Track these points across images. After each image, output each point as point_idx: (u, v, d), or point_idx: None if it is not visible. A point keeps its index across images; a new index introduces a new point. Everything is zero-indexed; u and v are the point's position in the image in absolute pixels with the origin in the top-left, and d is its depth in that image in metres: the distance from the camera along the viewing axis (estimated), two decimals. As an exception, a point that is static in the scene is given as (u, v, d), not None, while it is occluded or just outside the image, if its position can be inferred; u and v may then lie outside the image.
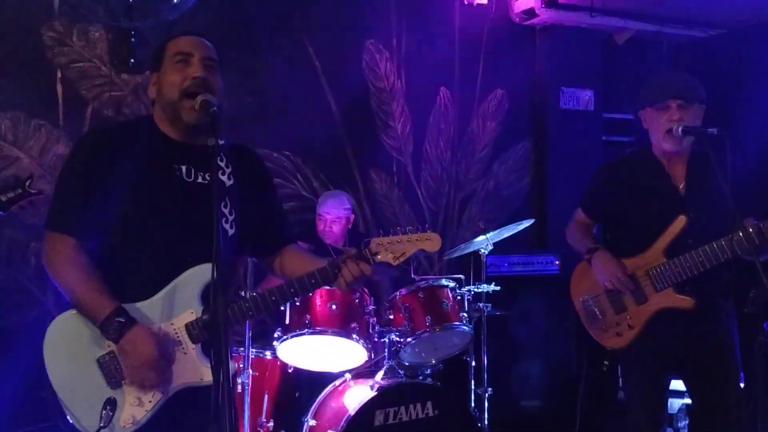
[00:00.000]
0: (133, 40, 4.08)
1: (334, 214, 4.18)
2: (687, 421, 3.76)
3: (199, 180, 2.14)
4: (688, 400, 3.63)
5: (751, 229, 2.58)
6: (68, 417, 2.05)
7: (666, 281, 2.81)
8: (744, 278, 2.73)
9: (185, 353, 2.07)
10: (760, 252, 2.55)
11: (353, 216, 4.34)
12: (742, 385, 2.96)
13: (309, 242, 4.03)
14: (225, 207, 2.15)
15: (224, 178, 2.17)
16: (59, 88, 4.12)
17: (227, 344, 1.74)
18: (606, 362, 2.99)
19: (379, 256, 2.10)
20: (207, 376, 2.01)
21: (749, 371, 2.85)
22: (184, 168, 2.14)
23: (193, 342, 2.07)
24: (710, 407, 2.89)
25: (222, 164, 2.19)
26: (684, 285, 2.79)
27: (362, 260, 2.10)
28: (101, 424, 1.99)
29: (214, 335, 1.77)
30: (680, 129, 2.76)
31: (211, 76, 2.12)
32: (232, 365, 2.23)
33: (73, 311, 2.08)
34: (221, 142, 2.22)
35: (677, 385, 3.26)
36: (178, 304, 2.08)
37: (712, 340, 2.87)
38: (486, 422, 3.81)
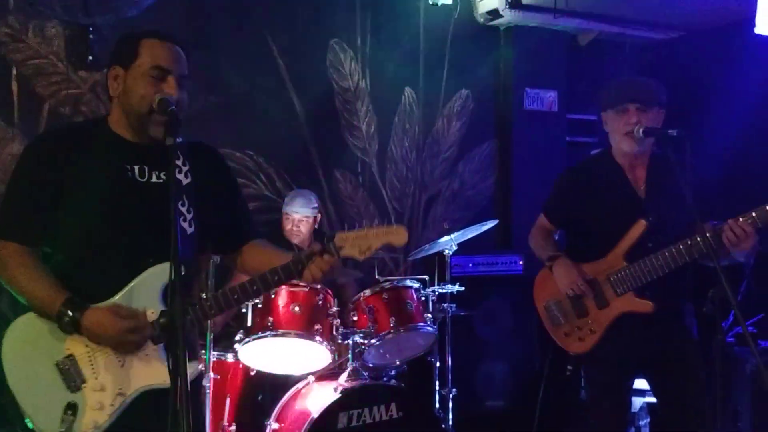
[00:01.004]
0: (91, 36, 4.00)
1: (302, 213, 4.14)
2: (648, 420, 3.80)
3: (153, 179, 2.12)
4: (648, 399, 3.68)
5: (708, 233, 2.61)
6: (28, 422, 2.00)
7: (626, 286, 2.83)
8: (703, 278, 2.77)
9: (147, 354, 2.04)
10: (719, 256, 2.57)
11: (320, 215, 4.31)
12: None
13: (274, 243, 3.99)
14: (182, 205, 2.12)
15: (181, 176, 2.14)
16: (14, 86, 4.02)
17: (188, 345, 1.70)
18: (569, 367, 3.01)
19: (344, 251, 2.07)
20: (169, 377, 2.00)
21: (708, 369, 2.89)
22: (137, 168, 2.11)
23: (154, 343, 2.04)
24: (674, 405, 2.93)
25: (179, 162, 2.15)
26: (644, 289, 2.82)
27: (327, 254, 2.08)
28: (61, 429, 1.95)
29: (172, 337, 1.74)
30: (641, 130, 2.78)
31: (182, 95, 2.09)
32: (195, 366, 2.20)
33: (29, 315, 2.05)
34: (179, 139, 2.19)
35: (638, 383, 3.29)
36: (138, 304, 2.04)
37: (674, 340, 2.91)
38: (450, 423, 3.81)
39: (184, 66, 2.12)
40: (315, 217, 4.21)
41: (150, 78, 2.05)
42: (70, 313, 1.97)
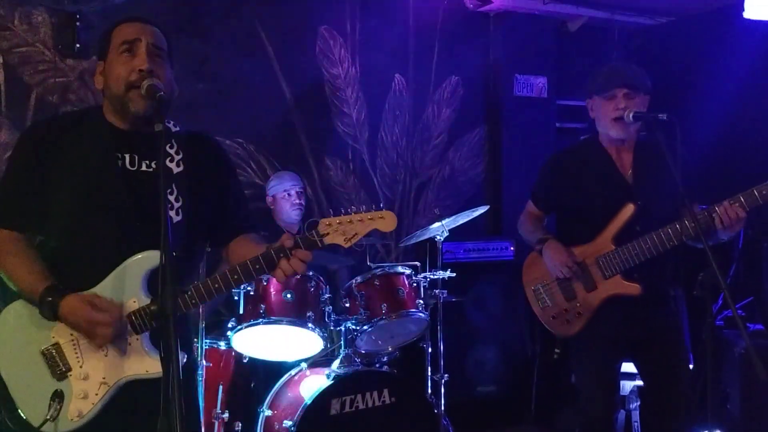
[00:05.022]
0: (78, 24, 3.96)
1: (298, 186, 4.19)
2: (638, 402, 3.83)
3: (143, 168, 2.11)
4: (639, 382, 3.70)
5: (699, 216, 2.63)
6: (18, 409, 1.99)
7: (614, 268, 2.85)
8: (693, 262, 2.79)
9: (130, 344, 2.03)
10: (708, 237, 2.60)
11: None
12: (690, 366, 3.03)
13: (265, 231, 3.99)
14: (171, 194, 2.11)
15: (172, 165, 2.14)
16: (1, 74, 3.98)
17: (176, 334, 1.69)
18: (557, 350, 3.03)
19: (328, 238, 1.99)
20: (152, 368, 2.00)
21: (698, 352, 2.92)
22: (127, 156, 2.10)
23: (137, 332, 2.03)
24: (660, 388, 2.96)
25: (171, 151, 2.15)
26: (632, 272, 2.84)
27: (308, 243, 2.00)
28: (47, 417, 1.95)
29: (163, 325, 1.73)
30: (631, 115, 2.80)
31: (157, 66, 2.07)
32: (183, 356, 2.20)
33: (18, 303, 2.05)
34: (176, 129, 2.19)
35: (628, 367, 3.32)
36: (120, 293, 2.03)
37: (660, 323, 2.94)
38: (442, 408, 3.82)
39: (156, 38, 2.10)
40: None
41: (121, 56, 2.06)
42: (49, 299, 1.97)
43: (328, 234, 1.99)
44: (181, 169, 2.15)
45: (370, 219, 2.00)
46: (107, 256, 2.04)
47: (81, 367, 2.01)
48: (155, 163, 2.10)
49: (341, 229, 1.99)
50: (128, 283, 2.03)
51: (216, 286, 2.04)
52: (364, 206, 2.04)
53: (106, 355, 2.02)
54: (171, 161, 2.13)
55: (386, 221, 2.01)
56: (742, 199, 2.64)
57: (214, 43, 4.50)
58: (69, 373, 2.01)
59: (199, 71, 4.43)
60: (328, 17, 4.86)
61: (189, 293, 2.04)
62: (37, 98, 4.05)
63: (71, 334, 2.02)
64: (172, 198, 2.10)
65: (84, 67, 4.10)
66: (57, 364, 2.01)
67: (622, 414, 3.89)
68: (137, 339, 2.03)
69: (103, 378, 2.01)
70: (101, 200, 2.05)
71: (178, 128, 2.21)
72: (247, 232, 2.32)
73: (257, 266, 2.01)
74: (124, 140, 2.11)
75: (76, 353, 2.02)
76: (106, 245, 2.05)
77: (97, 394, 2.00)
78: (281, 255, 1.99)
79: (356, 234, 2.00)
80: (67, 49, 4.04)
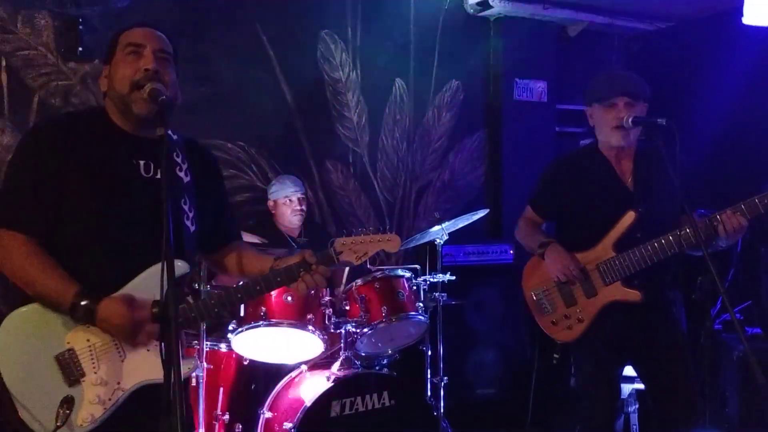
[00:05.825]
0: (80, 27, 3.98)
1: (300, 192, 4.26)
2: (637, 406, 3.84)
3: (158, 176, 2.10)
4: (637, 385, 3.71)
5: (700, 224, 2.64)
6: (21, 416, 1.97)
7: (614, 275, 2.85)
8: (692, 266, 2.80)
9: (148, 349, 2.04)
10: (708, 245, 2.60)
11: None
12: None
13: (264, 234, 4.01)
14: (185, 204, 2.13)
15: (181, 174, 2.16)
16: (4, 77, 4.00)
17: (178, 339, 1.70)
18: (556, 355, 3.03)
19: (342, 256, 2.19)
20: None
21: (697, 355, 2.92)
22: (142, 163, 2.10)
23: (157, 339, 2.02)
24: (662, 392, 2.96)
25: (178, 160, 2.17)
26: (632, 278, 2.84)
27: (326, 259, 2.17)
28: (58, 423, 1.93)
29: (164, 329, 1.74)
30: (630, 120, 2.80)
31: (163, 68, 2.08)
32: (192, 363, 2.23)
33: (28, 307, 2.02)
34: (175, 137, 2.21)
35: (627, 370, 3.33)
36: (142, 299, 2.02)
37: (661, 328, 2.94)
38: (442, 411, 3.83)
39: (163, 43, 2.12)
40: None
41: (127, 57, 2.07)
42: (83, 303, 1.95)
43: (342, 252, 2.21)
44: (189, 178, 2.18)
45: (378, 240, 2.25)
46: (125, 263, 2.04)
47: (96, 372, 2.00)
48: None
49: (353, 248, 2.22)
50: (151, 290, 2.02)
51: (239, 295, 2.15)
52: (372, 227, 2.30)
53: (123, 360, 2.03)
54: (180, 170, 2.16)
55: (392, 243, 2.27)
56: (743, 208, 2.64)
57: (215, 46, 4.51)
58: (82, 379, 1.99)
59: (201, 75, 4.44)
60: (329, 22, 4.88)
61: (213, 301, 2.11)
62: (39, 101, 4.07)
63: (87, 340, 2.00)
64: (186, 207, 2.13)
65: (86, 71, 4.10)
66: (71, 370, 1.99)
67: (620, 417, 3.89)
68: (156, 344, 2.03)
69: (119, 383, 2.01)
70: (119, 207, 2.05)
71: (176, 136, 2.22)
72: (235, 239, 2.40)
73: (279, 279, 2.16)
74: (136, 145, 2.10)
75: (92, 358, 2.01)
76: (124, 252, 2.04)
77: (110, 399, 2.00)
78: (302, 270, 2.15)
79: (366, 253, 2.23)
80: (70, 52, 4.05)
